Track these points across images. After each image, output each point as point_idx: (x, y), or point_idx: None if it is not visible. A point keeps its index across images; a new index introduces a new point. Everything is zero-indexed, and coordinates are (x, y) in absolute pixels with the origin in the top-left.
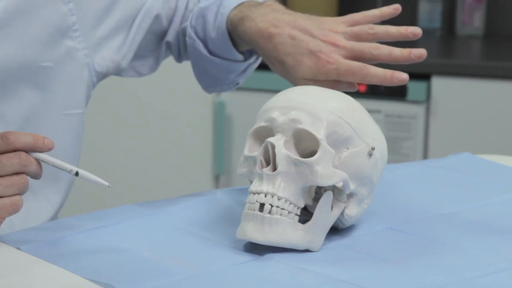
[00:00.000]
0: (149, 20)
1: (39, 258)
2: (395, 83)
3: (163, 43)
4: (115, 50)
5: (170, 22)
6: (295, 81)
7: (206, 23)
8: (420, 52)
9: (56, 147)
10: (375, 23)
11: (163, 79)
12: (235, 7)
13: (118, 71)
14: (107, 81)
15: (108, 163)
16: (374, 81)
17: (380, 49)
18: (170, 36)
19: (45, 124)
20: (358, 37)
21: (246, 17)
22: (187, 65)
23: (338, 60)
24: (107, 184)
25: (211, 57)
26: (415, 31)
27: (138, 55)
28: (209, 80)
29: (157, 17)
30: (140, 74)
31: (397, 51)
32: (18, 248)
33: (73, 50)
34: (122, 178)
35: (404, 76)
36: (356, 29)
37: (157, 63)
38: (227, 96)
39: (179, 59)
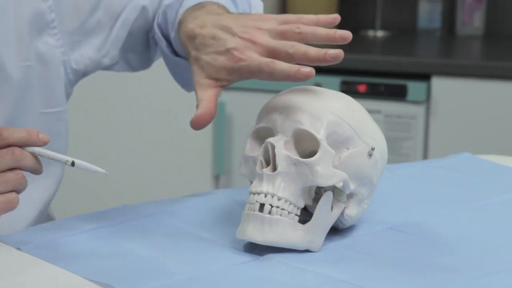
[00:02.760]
0: (133, 16)
1: (39, 258)
2: (301, 78)
3: (150, 39)
4: (95, 49)
5: (154, 17)
6: (204, 80)
7: (168, 22)
8: (336, 53)
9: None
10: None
11: (163, 79)
12: (191, 7)
13: (101, 68)
14: (107, 81)
15: (108, 163)
16: (281, 78)
17: (296, 48)
18: (153, 32)
19: (25, 124)
20: (283, 36)
21: (183, 20)
22: None
23: (250, 57)
24: (104, 171)
25: (174, 57)
26: (344, 35)
27: (129, 50)
28: (184, 79)
29: (143, 11)
30: (133, 69)
31: (313, 51)
32: (18, 248)
33: (51, 48)
34: (122, 178)
35: (308, 70)
36: (283, 27)
37: (149, 59)
38: (227, 96)
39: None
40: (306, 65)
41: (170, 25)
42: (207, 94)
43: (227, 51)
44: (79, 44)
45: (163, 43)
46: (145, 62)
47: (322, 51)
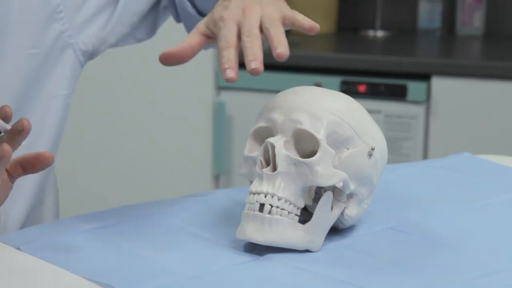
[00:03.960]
0: None
1: (39, 258)
2: (224, 77)
3: (160, 8)
4: (100, 27)
5: None
6: (200, 24)
7: None
8: (229, 76)
9: (43, 129)
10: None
11: (163, 79)
12: None
13: (108, 46)
14: (107, 80)
15: (108, 163)
16: (219, 57)
17: (251, 38)
18: (166, 1)
19: (31, 108)
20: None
21: None
22: (186, 65)
23: (227, 23)
24: (9, 127)
25: (199, 16)
26: (282, 53)
27: (136, 25)
28: None
29: None
30: (138, 40)
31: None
32: (18, 248)
33: (57, 33)
34: (122, 178)
35: (230, 75)
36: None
37: (154, 29)
38: (227, 96)
39: (178, 19)
40: (234, 72)
41: None
42: (192, 38)
43: (225, 8)
44: (84, 25)
45: (187, 4)
46: (151, 33)
47: (250, 62)
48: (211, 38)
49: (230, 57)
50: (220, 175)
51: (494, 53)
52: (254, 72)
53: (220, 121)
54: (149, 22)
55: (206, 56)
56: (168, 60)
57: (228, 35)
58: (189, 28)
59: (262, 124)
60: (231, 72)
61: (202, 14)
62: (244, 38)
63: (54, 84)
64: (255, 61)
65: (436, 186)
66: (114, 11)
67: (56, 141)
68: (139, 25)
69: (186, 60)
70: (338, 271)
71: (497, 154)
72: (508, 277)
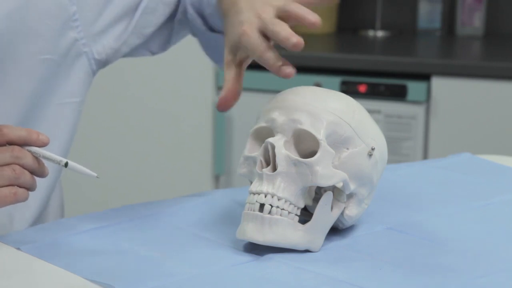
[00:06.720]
0: (153, 3)
1: (39, 258)
2: (281, 75)
3: (175, 22)
4: (115, 38)
5: (179, 1)
6: (228, 56)
7: (203, 0)
8: (288, 70)
9: (54, 137)
10: None
11: (163, 79)
12: None
13: (121, 56)
14: (108, 80)
15: (108, 163)
16: (265, 65)
17: (277, 26)
18: (181, 15)
19: (43, 115)
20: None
21: None
22: (186, 65)
23: (250, 34)
24: (95, 175)
25: (211, 33)
26: (287, 71)
27: (151, 37)
28: (218, 55)
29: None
30: (151, 52)
31: (283, 34)
32: (18, 248)
33: (72, 41)
34: (122, 178)
35: (288, 70)
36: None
37: (168, 41)
38: None
39: (194, 34)
40: (290, 65)
41: (205, 1)
42: (230, 74)
43: (240, 23)
44: (100, 35)
45: (198, 21)
46: (164, 47)
47: (288, 40)
48: (243, 62)
49: (274, 56)
50: (220, 175)
51: (494, 53)
52: (296, 47)
53: (220, 121)
54: (163, 35)
55: (206, 57)
56: (225, 106)
57: (258, 43)
58: (203, 44)
59: (262, 124)
60: (287, 67)
61: (213, 30)
62: (271, 29)
63: (67, 91)
64: (293, 37)
65: (436, 186)
66: (130, 22)
67: (66, 148)
68: (153, 37)
69: (238, 97)
70: (338, 271)
71: (497, 154)
72: (508, 277)
